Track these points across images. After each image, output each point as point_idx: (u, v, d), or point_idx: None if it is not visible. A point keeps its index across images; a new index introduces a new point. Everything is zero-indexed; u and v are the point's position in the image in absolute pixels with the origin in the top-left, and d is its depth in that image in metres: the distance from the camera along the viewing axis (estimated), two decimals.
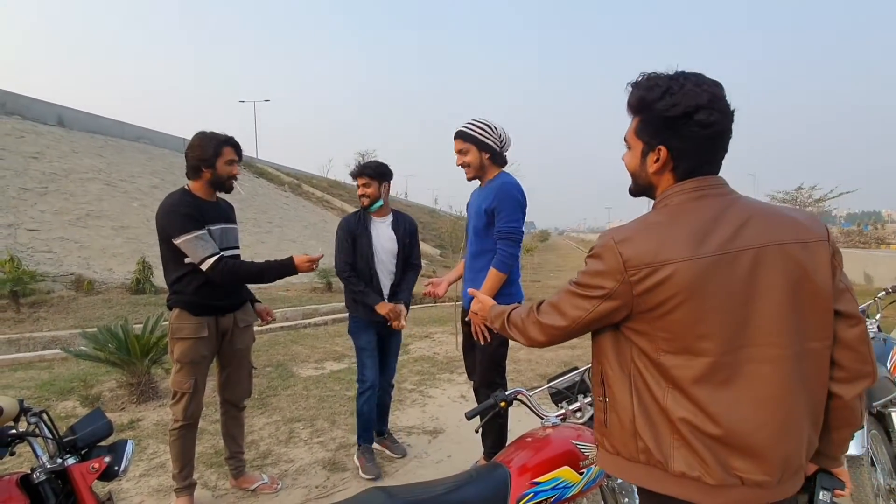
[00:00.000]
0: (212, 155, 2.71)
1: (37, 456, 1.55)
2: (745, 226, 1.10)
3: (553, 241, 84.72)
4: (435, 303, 10.44)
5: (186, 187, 2.79)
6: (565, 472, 1.68)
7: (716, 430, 1.08)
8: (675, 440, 1.11)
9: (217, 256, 2.65)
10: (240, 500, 3.00)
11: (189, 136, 2.85)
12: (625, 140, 1.28)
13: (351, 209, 3.80)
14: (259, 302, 3.15)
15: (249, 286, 3.08)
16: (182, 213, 2.63)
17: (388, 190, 3.38)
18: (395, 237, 3.36)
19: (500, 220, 2.70)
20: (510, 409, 1.80)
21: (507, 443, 2.24)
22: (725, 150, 1.19)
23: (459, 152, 2.82)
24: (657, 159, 1.19)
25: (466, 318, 2.95)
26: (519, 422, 3.22)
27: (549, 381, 1.99)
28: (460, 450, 3.61)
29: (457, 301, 6.23)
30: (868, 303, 3.14)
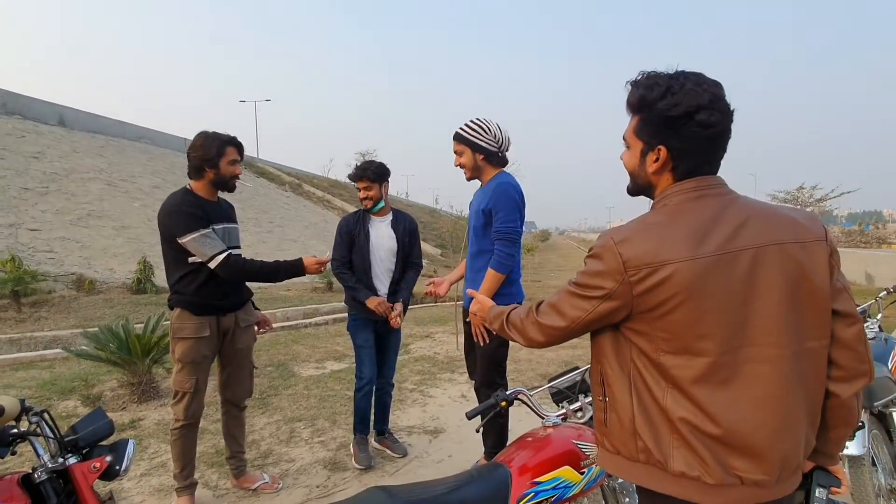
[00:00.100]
0: (215, 155, 2.72)
1: (38, 455, 1.55)
2: (743, 226, 1.10)
3: (554, 240, 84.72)
4: (436, 302, 10.44)
5: (188, 187, 2.80)
6: (566, 472, 1.68)
7: (715, 429, 1.08)
8: (675, 440, 1.11)
9: (226, 253, 2.66)
10: (241, 500, 3.00)
11: (190, 135, 2.85)
12: (624, 139, 1.28)
13: (352, 209, 3.82)
14: (258, 310, 3.17)
15: (250, 287, 3.08)
16: (187, 213, 2.64)
17: (388, 189, 3.41)
18: (394, 236, 3.38)
19: (497, 220, 2.71)
20: (511, 408, 1.80)
21: (508, 442, 2.24)
22: (725, 150, 1.19)
23: (456, 153, 2.85)
24: (657, 159, 1.19)
25: (467, 318, 2.95)
26: (520, 421, 3.23)
27: (550, 381, 1.99)
28: (461, 449, 3.61)
29: (457, 301, 6.23)
30: (869, 303, 3.14)
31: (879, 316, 3.09)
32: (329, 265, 3.12)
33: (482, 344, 2.73)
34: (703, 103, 1.12)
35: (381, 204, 3.36)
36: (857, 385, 1.17)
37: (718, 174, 1.20)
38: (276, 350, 6.64)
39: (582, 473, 1.71)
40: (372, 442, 3.64)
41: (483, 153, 2.77)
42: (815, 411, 1.16)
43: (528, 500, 1.61)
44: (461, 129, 2.79)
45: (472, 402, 4.22)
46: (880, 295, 3.24)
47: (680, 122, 1.13)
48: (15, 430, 1.53)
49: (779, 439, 1.09)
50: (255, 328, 3.12)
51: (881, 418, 2.60)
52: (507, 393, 1.77)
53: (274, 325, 8.05)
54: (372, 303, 3.24)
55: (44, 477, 1.51)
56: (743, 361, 1.08)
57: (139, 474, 3.27)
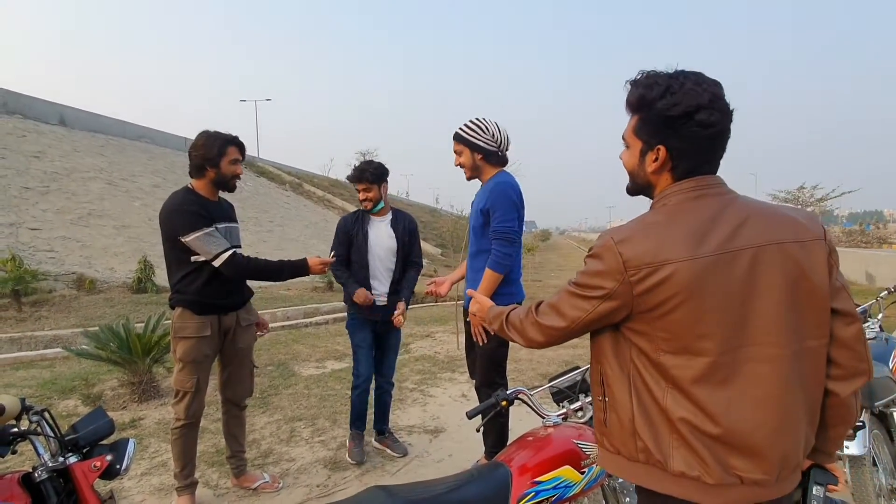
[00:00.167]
0: (216, 154, 2.72)
1: (38, 454, 1.55)
2: (743, 225, 1.10)
3: (554, 240, 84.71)
4: (436, 302, 10.44)
5: (189, 186, 2.80)
6: (566, 472, 1.68)
7: (715, 429, 1.08)
8: (675, 440, 1.11)
9: (231, 251, 2.68)
10: (241, 499, 3.00)
11: (190, 135, 2.86)
12: (623, 138, 1.28)
13: (352, 208, 3.81)
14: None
15: (250, 287, 3.09)
16: (190, 211, 2.64)
17: (387, 189, 3.42)
18: (394, 235, 3.39)
19: (494, 219, 2.70)
20: (511, 408, 1.80)
21: (509, 442, 2.24)
22: (724, 150, 1.19)
23: (456, 153, 2.86)
24: (656, 158, 1.19)
25: (468, 318, 2.95)
26: (520, 421, 3.23)
27: (551, 381, 1.99)
28: (461, 449, 3.61)
29: (458, 300, 6.24)
30: (870, 302, 3.13)
31: (880, 316, 3.09)
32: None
33: (481, 344, 2.74)
34: (703, 103, 1.11)
35: (381, 204, 3.38)
36: (855, 384, 1.17)
37: (718, 174, 1.20)
38: (277, 349, 6.64)
39: (582, 473, 1.71)
40: (372, 441, 3.64)
41: (482, 153, 2.77)
42: (815, 410, 1.16)
43: (529, 500, 1.60)
44: (460, 129, 2.80)
45: (473, 402, 4.22)
46: (881, 295, 3.23)
47: (679, 122, 1.13)
48: (15, 429, 1.54)
49: (779, 438, 1.09)
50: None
51: (882, 418, 2.60)
52: (508, 392, 1.77)
53: (274, 325, 8.11)
54: (359, 297, 3.23)
55: (44, 476, 1.51)
56: (743, 361, 1.08)
57: (139, 473, 3.28)
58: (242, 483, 3.08)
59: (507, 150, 2.85)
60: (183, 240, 2.61)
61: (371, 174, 3.29)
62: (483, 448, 3.02)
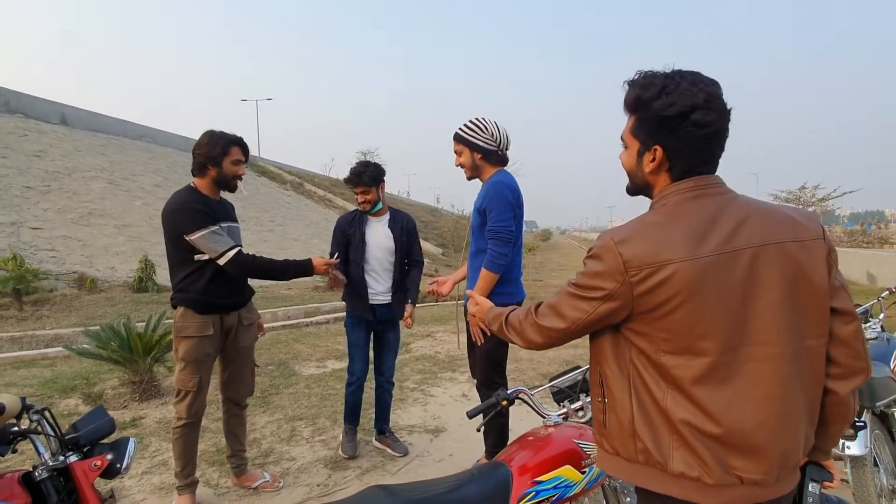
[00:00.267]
0: (219, 154, 2.73)
1: (39, 453, 1.55)
2: (742, 225, 1.10)
3: (555, 240, 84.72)
4: (437, 301, 10.44)
5: (192, 185, 2.80)
6: (567, 472, 1.68)
7: (716, 429, 1.08)
8: (675, 441, 1.11)
9: (237, 250, 2.68)
10: (241, 498, 3.00)
11: (191, 134, 2.86)
12: (621, 139, 1.28)
13: (353, 208, 3.86)
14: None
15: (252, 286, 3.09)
16: (195, 210, 2.65)
17: (384, 189, 3.44)
18: (391, 235, 3.41)
19: (490, 219, 2.70)
20: (512, 407, 1.80)
21: (509, 442, 2.23)
22: (722, 150, 1.19)
23: (456, 153, 2.86)
24: (653, 159, 1.19)
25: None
26: (521, 421, 3.23)
27: (551, 380, 1.99)
28: (462, 448, 3.61)
29: (459, 300, 6.23)
30: (871, 303, 3.13)
31: (882, 316, 3.08)
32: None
33: (479, 344, 2.73)
34: (698, 103, 1.11)
35: (379, 205, 3.40)
36: (854, 382, 1.17)
37: (718, 173, 1.20)
38: (278, 349, 6.64)
39: (583, 473, 1.71)
40: (373, 441, 3.65)
41: (481, 152, 2.77)
42: (814, 409, 1.17)
43: (529, 500, 1.60)
44: (460, 129, 2.80)
45: (474, 402, 4.22)
46: (882, 295, 3.23)
47: (675, 122, 1.13)
48: (16, 428, 1.53)
49: (779, 438, 1.09)
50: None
51: (883, 419, 2.59)
52: (509, 392, 1.77)
53: (275, 324, 8.11)
54: (319, 262, 2.96)
55: (45, 475, 1.51)
56: (743, 360, 1.08)
57: (140, 472, 3.28)
58: (243, 482, 3.08)
59: (507, 149, 2.84)
60: (188, 238, 2.61)
61: (368, 177, 3.30)
62: (483, 448, 3.02)
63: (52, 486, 1.51)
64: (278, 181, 28.96)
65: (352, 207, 3.53)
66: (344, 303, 3.52)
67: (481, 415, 1.73)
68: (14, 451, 1.55)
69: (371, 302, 3.37)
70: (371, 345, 3.53)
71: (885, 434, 2.56)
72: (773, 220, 1.12)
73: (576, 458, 1.72)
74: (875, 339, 2.79)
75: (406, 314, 3.49)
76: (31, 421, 1.57)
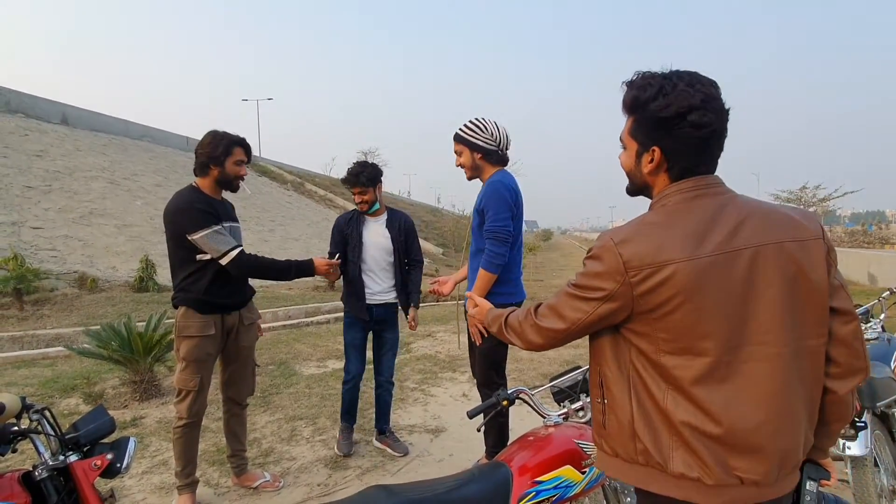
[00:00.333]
0: (221, 153, 2.74)
1: (39, 453, 1.55)
2: (742, 225, 1.10)
3: (556, 240, 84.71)
4: (437, 301, 10.44)
5: (194, 185, 2.81)
6: (567, 472, 1.68)
7: (716, 429, 1.08)
8: (675, 441, 1.11)
9: (239, 249, 2.69)
10: (242, 498, 3.00)
11: (192, 134, 2.87)
12: (620, 140, 1.28)
13: (353, 207, 3.84)
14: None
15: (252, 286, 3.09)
16: (198, 209, 2.65)
17: (381, 189, 3.45)
18: (389, 235, 3.42)
19: (487, 219, 2.70)
20: (512, 407, 1.80)
21: (509, 441, 2.23)
22: (721, 150, 1.19)
23: (456, 154, 2.87)
24: (651, 160, 1.19)
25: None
26: (521, 421, 3.23)
27: (552, 380, 1.99)
28: (462, 448, 3.61)
29: (460, 300, 6.23)
30: (872, 303, 3.12)
31: (882, 316, 3.08)
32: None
33: (478, 344, 2.73)
34: (695, 104, 1.11)
35: (377, 206, 3.41)
36: (853, 381, 1.18)
37: (717, 173, 1.20)
38: (278, 348, 6.65)
39: (583, 473, 1.71)
40: (373, 441, 3.65)
41: (481, 152, 2.77)
42: (814, 408, 1.17)
43: (529, 500, 1.60)
44: (459, 129, 2.81)
45: (474, 401, 4.22)
46: (883, 295, 3.22)
47: (672, 123, 1.13)
48: (16, 428, 1.53)
49: (779, 438, 1.09)
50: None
51: (884, 419, 2.58)
52: (509, 392, 1.77)
53: (276, 324, 8.11)
54: (320, 262, 3.01)
55: (45, 474, 1.51)
56: (743, 360, 1.08)
57: (140, 472, 3.28)
58: (243, 482, 3.08)
59: (507, 149, 2.84)
60: (191, 238, 2.61)
61: (366, 177, 3.30)
62: (484, 447, 3.02)
63: (52, 486, 1.51)
64: (279, 181, 28.97)
65: (352, 207, 3.53)
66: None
67: (481, 415, 1.73)
68: (14, 451, 1.55)
69: (368, 302, 3.38)
70: (370, 345, 3.53)
71: (885, 434, 2.56)
72: (772, 220, 1.12)
73: (576, 459, 1.72)
74: (876, 339, 2.78)
75: (409, 317, 3.51)
76: (32, 420, 1.57)
